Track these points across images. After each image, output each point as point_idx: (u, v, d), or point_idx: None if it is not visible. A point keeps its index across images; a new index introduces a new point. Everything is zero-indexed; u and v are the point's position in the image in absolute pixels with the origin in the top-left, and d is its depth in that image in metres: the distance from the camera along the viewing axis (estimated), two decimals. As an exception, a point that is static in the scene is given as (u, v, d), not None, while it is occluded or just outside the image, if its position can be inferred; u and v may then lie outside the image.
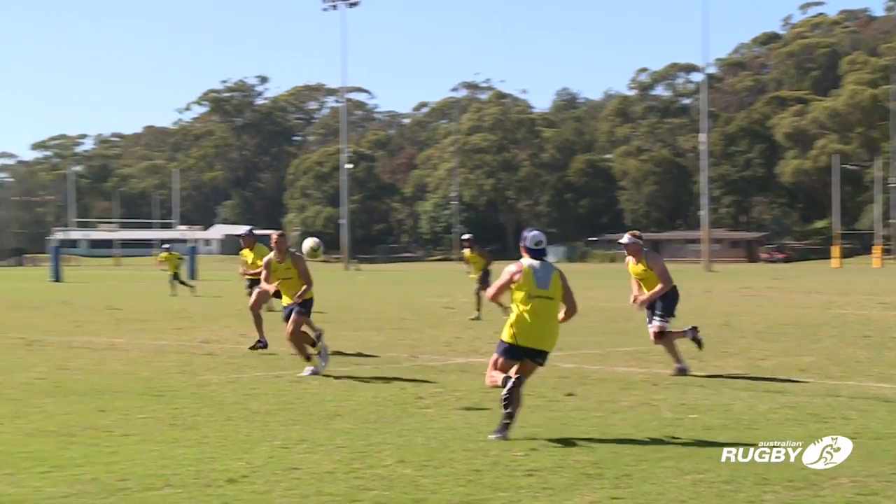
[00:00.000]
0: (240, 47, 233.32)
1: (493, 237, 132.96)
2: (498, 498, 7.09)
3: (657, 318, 13.63)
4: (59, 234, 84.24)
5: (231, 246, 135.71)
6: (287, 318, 13.95)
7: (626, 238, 13.85)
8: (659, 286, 13.54)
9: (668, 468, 7.89)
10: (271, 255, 14.19)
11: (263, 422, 10.07)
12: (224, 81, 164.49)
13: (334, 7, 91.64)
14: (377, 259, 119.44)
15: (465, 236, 26.36)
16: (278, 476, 7.69)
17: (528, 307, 9.34)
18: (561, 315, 9.58)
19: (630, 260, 13.89)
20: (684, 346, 14.17)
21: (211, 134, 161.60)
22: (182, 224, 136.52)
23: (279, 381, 13.18)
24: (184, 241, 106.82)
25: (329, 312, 26.98)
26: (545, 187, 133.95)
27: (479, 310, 23.71)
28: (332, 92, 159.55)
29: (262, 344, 16.35)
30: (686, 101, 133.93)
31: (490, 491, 7.26)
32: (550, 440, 8.98)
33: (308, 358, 13.65)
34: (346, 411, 10.69)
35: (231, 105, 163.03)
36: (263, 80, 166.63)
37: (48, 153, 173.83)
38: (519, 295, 9.40)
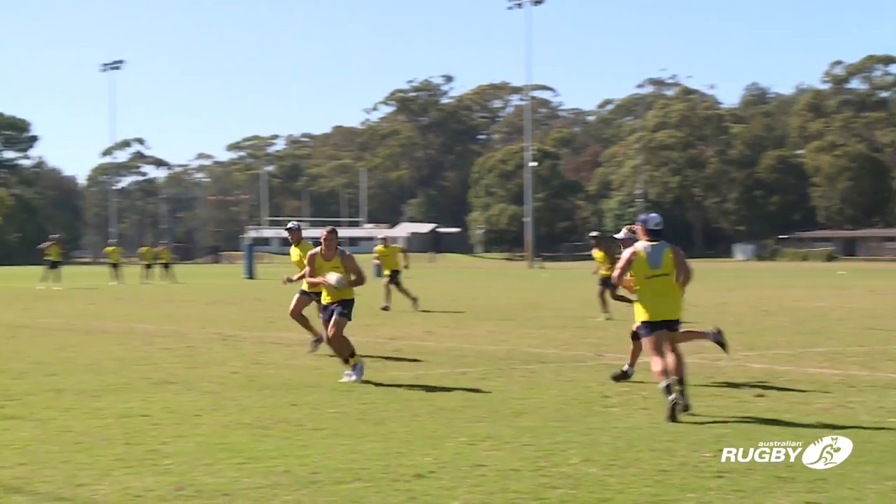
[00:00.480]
0: (425, 47, 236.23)
1: (680, 235, 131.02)
2: (686, 499, 6.98)
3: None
4: (253, 233, 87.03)
5: (417, 244, 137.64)
6: (326, 319, 13.34)
7: (621, 233, 13.10)
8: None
9: (867, 473, 7.62)
10: (317, 249, 13.55)
11: (449, 418, 10.16)
12: (410, 81, 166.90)
13: (519, 5, 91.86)
14: (561, 257, 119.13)
15: (593, 233, 25.82)
16: (464, 472, 7.74)
17: (648, 286, 10.50)
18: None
19: None
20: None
21: (397, 133, 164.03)
22: (369, 222, 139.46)
23: (464, 377, 13.27)
24: (370, 239, 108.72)
25: (514, 310, 27.06)
26: (733, 184, 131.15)
27: (605, 310, 22.96)
28: (516, 90, 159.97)
29: (319, 339, 15.91)
30: (884, 94, 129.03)
31: (678, 492, 7.14)
32: (740, 441, 8.78)
33: (347, 361, 12.99)
34: (531, 409, 10.69)
35: (417, 104, 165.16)
36: (448, 79, 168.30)
37: (242, 154, 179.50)
38: (637, 277, 10.53)
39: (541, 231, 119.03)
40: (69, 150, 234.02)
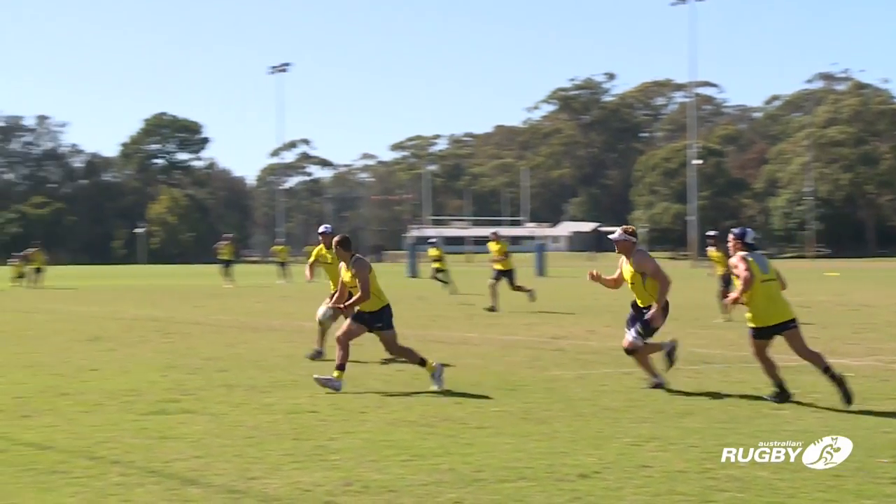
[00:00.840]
0: (588, 45, 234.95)
1: (851, 234, 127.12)
2: (861, 506, 6.77)
3: (633, 334, 12.02)
4: (415, 232, 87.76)
5: (579, 243, 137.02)
6: (352, 318, 12.63)
7: (616, 234, 12.28)
8: (662, 288, 11.87)
9: None
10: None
11: (614, 418, 10.07)
12: (572, 79, 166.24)
13: (683, 0, 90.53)
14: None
15: (710, 233, 24.94)
16: (630, 473, 7.67)
17: (762, 291, 10.89)
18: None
19: (623, 259, 12.28)
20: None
21: (559, 132, 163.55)
22: (531, 221, 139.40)
23: (628, 377, 13.13)
24: (532, 238, 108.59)
25: (678, 310, 26.65)
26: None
27: (726, 311, 21.96)
28: (679, 87, 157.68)
29: (318, 354, 15.43)
30: None
31: (853, 498, 6.92)
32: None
33: (341, 368, 12.07)
34: (697, 410, 10.52)
35: (579, 103, 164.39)
36: (611, 76, 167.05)
37: (405, 153, 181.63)
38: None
39: (705, 229, 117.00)
40: (239, 151, 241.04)
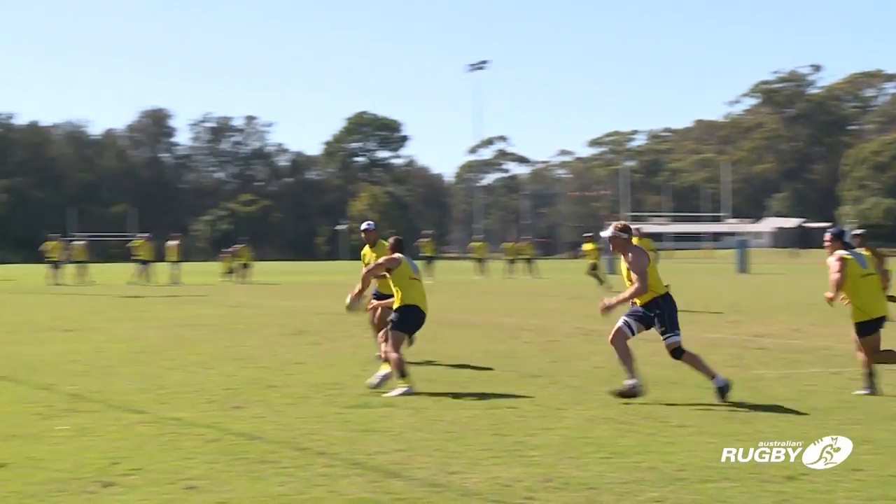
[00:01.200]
0: (792, 36, 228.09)
1: None
2: None
3: (669, 337, 11.08)
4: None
5: (783, 239, 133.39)
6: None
7: (608, 231, 11.42)
8: (632, 288, 11.00)
9: None
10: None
11: (822, 419, 9.76)
12: (775, 72, 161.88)
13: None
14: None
15: (856, 231, 23.49)
16: (840, 476, 7.42)
17: (862, 286, 11.44)
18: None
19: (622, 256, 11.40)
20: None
21: (761, 126, 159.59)
22: (732, 217, 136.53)
23: (837, 378, 12.71)
24: (733, 234, 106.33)
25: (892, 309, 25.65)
26: None
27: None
28: (890, 78, 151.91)
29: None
30: None
31: None
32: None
33: (403, 375, 11.80)
34: (911, 413, 10.11)
35: (782, 96, 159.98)
36: (816, 68, 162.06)
37: (603, 149, 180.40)
38: (853, 279, 11.40)
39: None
40: (437, 148, 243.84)
